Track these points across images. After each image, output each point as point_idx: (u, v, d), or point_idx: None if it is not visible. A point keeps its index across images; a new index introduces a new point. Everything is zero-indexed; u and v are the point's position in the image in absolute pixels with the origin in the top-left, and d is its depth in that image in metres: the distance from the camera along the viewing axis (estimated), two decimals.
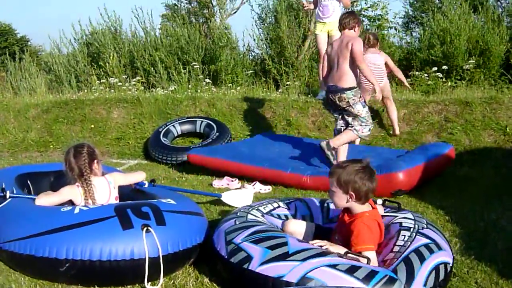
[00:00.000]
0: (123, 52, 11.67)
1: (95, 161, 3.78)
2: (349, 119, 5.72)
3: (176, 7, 16.40)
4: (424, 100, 7.79)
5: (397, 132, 7.39)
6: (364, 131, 5.73)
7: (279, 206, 3.80)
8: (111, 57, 11.30)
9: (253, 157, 6.22)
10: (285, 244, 2.92)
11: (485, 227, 4.14)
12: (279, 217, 3.71)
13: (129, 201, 3.57)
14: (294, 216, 3.74)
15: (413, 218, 3.33)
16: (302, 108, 8.04)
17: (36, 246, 3.15)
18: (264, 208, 3.70)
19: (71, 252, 3.06)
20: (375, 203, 3.37)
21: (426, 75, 9.31)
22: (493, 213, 4.51)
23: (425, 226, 3.22)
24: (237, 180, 5.97)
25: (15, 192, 3.79)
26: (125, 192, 4.10)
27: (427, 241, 3.01)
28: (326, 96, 5.92)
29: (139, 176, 4.19)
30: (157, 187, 4.36)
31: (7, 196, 3.67)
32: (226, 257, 3.06)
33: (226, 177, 6.04)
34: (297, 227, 3.44)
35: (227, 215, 3.59)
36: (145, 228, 3.11)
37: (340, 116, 5.82)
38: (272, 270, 2.80)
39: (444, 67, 9.28)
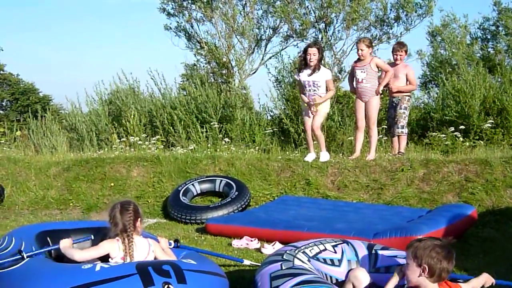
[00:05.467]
0: (143, 111, 11.88)
1: (139, 219, 3.83)
2: None
3: (195, 66, 16.72)
4: (444, 159, 7.75)
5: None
6: None
7: (325, 249, 3.74)
8: (131, 116, 11.49)
9: (270, 221, 6.29)
10: None
11: None
12: (325, 261, 3.67)
13: (150, 260, 3.58)
14: (340, 261, 3.70)
15: None
16: (321, 168, 8.04)
17: None
18: (310, 251, 3.66)
19: None
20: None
21: (443, 135, 9.30)
22: None
23: None
24: (256, 239, 5.93)
25: (34, 249, 3.82)
26: None
27: None
28: None
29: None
30: (181, 248, 4.34)
31: (25, 257, 3.68)
32: None
33: (245, 236, 6.00)
34: (363, 278, 3.46)
35: (272, 255, 3.53)
36: (166, 286, 3.11)
37: None
38: None
39: (461, 127, 9.30)
